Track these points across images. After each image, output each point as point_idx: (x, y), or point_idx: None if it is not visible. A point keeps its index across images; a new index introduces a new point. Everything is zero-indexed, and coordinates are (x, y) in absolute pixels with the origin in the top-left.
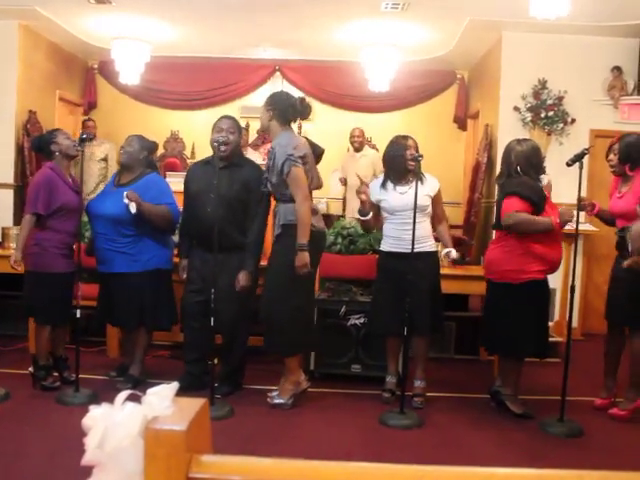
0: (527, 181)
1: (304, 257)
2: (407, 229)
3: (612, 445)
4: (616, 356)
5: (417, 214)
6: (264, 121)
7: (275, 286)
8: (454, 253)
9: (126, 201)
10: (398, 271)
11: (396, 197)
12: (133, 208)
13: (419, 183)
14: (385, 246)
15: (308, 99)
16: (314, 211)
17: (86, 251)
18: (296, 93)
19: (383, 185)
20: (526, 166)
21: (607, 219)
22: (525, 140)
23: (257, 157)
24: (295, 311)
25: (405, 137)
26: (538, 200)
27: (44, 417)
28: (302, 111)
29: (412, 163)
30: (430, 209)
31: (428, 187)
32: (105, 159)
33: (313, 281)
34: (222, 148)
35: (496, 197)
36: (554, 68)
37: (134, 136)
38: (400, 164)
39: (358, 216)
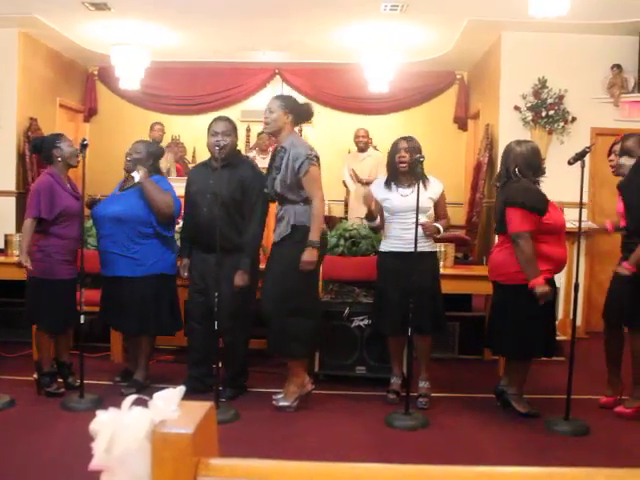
0: (528, 186)
1: (313, 254)
2: (408, 229)
3: (619, 443)
4: (617, 354)
5: (419, 216)
6: (279, 122)
7: (283, 287)
8: (423, 219)
9: (137, 174)
10: (398, 271)
11: (398, 198)
12: (137, 176)
13: (422, 186)
14: (385, 246)
15: (316, 107)
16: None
17: (87, 203)
18: (296, 96)
19: (387, 185)
20: (525, 168)
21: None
22: (525, 141)
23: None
24: (303, 312)
25: (401, 139)
26: (542, 206)
27: (49, 423)
28: (311, 114)
29: (402, 165)
30: (432, 211)
31: (431, 190)
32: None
33: (317, 283)
34: (217, 150)
35: (495, 198)
36: (554, 67)
37: (140, 143)
38: (393, 166)
39: (366, 222)
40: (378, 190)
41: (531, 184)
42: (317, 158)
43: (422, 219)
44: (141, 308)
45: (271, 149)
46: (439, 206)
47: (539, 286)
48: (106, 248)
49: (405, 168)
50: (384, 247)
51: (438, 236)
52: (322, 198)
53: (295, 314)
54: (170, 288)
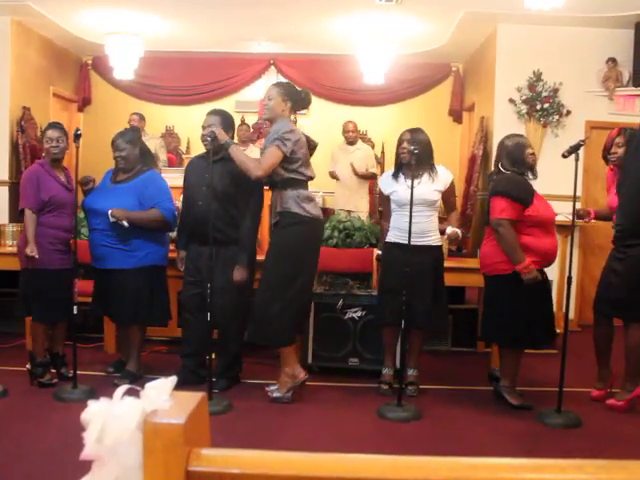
0: (513, 177)
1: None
2: (414, 222)
3: (610, 435)
4: (607, 346)
5: (424, 208)
6: (276, 110)
7: (266, 273)
8: (449, 230)
9: (112, 220)
10: (401, 262)
11: (406, 190)
12: (125, 223)
13: (428, 178)
14: (391, 237)
15: (306, 89)
16: (309, 199)
17: (80, 181)
18: None
19: (395, 177)
20: (508, 162)
21: (606, 216)
22: (513, 136)
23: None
24: (288, 303)
25: (406, 131)
26: (525, 196)
27: (42, 414)
28: (309, 101)
29: (403, 156)
30: (439, 203)
31: (439, 182)
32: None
33: (312, 270)
34: (205, 143)
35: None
36: (549, 60)
37: (118, 139)
38: (398, 158)
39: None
40: (386, 183)
41: (516, 176)
42: (292, 143)
43: (429, 212)
44: (134, 298)
45: (252, 142)
46: (447, 198)
47: (526, 272)
48: (98, 241)
49: (406, 160)
50: (390, 238)
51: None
52: (258, 168)
53: (282, 303)
54: (161, 279)
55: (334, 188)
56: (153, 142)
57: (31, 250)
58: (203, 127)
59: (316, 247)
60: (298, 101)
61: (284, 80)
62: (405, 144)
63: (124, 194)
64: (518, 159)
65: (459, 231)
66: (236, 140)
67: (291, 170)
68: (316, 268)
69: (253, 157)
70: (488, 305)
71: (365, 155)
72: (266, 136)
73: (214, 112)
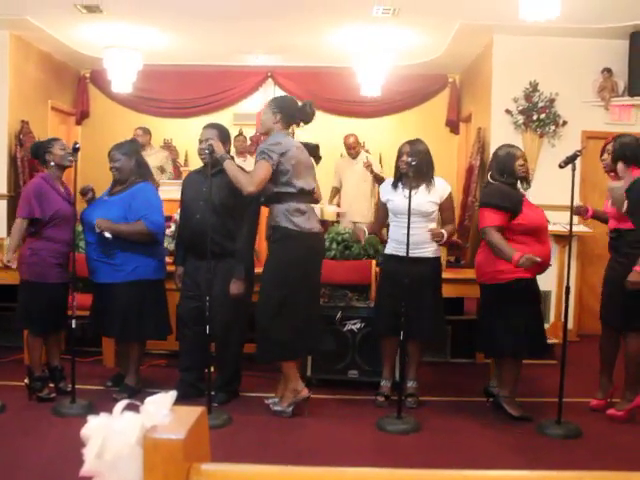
0: (499, 187)
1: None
2: (410, 233)
3: (610, 446)
4: (611, 356)
5: (420, 219)
6: (268, 123)
7: (263, 288)
8: (431, 226)
9: (97, 230)
10: (399, 274)
11: (402, 199)
12: (108, 234)
13: (425, 189)
14: (388, 249)
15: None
16: (300, 211)
17: (80, 191)
18: None
19: (394, 186)
20: (497, 172)
21: (604, 218)
22: (506, 146)
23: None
24: (285, 317)
25: (405, 143)
26: (512, 205)
27: (40, 429)
28: (311, 113)
29: (403, 168)
30: (435, 215)
31: (436, 194)
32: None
33: (313, 285)
34: (202, 156)
35: None
36: (545, 71)
37: (114, 150)
38: (397, 168)
39: (360, 227)
40: (385, 190)
41: (502, 186)
42: (278, 155)
43: (425, 223)
44: (123, 314)
45: (249, 153)
46: (444, 210)
47: (520, 261)
48: (90, 255)
49: (406, 171)
50: (387, 250)
51: (440, 242)
52: (251, 184)
53: (277, 316)
54: (154, 294)
55: (340, 200)
56: (160, 155)
57: (7, 260)
58: (200, 141)
59: (311, 260)
60: (290, 113)
61: (282, 92)
62: (405, 157)
63: (113, 206)
64: (508, 169)
65: (445, 232)
66: (233, 151)
67: (280, 183)
68: (317, 282)
69: (249, 170)
70: (484, 315)
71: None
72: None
73: (211, 126)
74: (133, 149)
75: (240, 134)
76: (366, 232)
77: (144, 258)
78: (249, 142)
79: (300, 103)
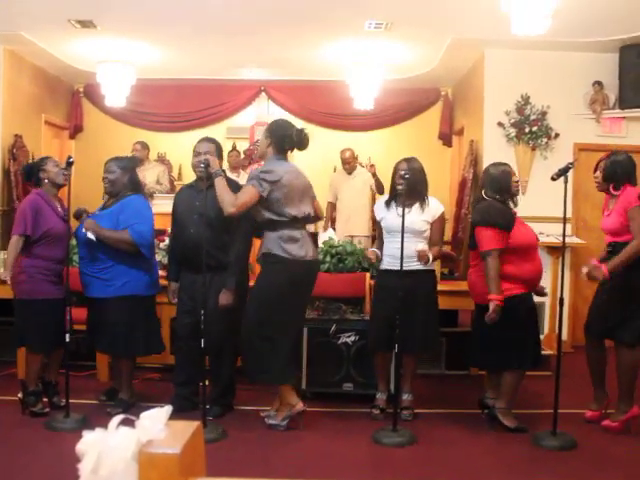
0: (494, 204)
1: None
2: (403, 248)
3: (606, 457)
4: (601, 368)
5: (413, 237)
6: (262, 147)
7: (252, 312)
8: (420, 246)
9: (84, 230)
10: (391, 288)
11: (395, 218)
12: (92, 235)
13: (418, 207)
14: (383, 264)
15: (301, 124)
16: (293, 239)
17: (74, 214)
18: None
19: (387, 204)
20: (493, 189)
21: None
22: (499, 164)
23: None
24: (276, 338)
25: (402, 161)
26: (506, 223)
27: (34, 443)
28: (298, 142)
29: (400, 189)
30: (428, 233)
31: (428, 213)
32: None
33: (297, 311)
34: (198, 170)
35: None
36: (536, 84)
37: (111, 161)
38: (393, 186)
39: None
40: (378, 209)
41: (497, 203)
42: (269, 183)
43: (417, 240)
44: (112, 329)
45: (249, 168)
46: (434, 230)
47: (494, 302)
48: (82, 269)
49: (400, 185)
50: (382, 265)
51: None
52: (233, 205)
53: (263, 339)
54: (144, 309)
55: (334, 213)
56: (157, 169)
57: (4, 277)
58: (198, 153)
59: (299, 288)
60: (283, 139)
61: (275, 106)
62: (401, 172)
63: (102, 219)
64: (504, 187)
65: (430, 254)
66: (226, 166)
67: (271, 211)
68: (303, 309)
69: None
70: (480, 333)
71: (364, 180)
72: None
73: (208, 139)
74: (130, 166)
75: (234, 149)
76: (378, 254)
77: (135, 273)
78: (242, 156)
79: (295, 129)
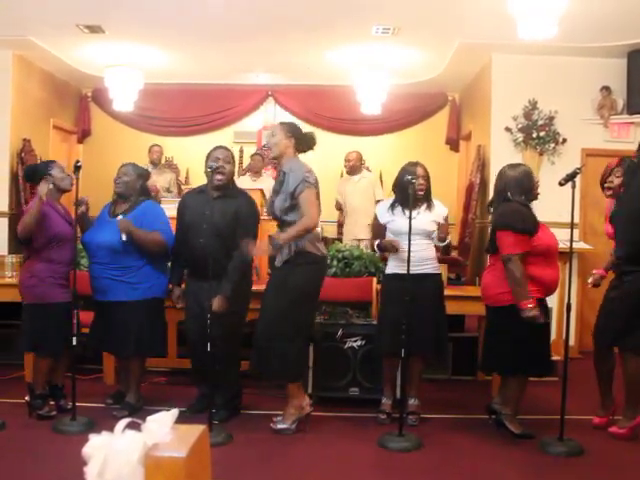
0: (518, 208)
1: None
2: (412, 250)
3: (613, 463)
4: (608, 375)
5: (422, 238)
6: (281, 147)
7: (282, 310)
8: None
9: (119, 229)
10: (400, 292)
11: (404, 221)
12: (124, 236)
13: (427, 209)
14: (389, 268)
15: (308, 129)
16: (319, 238)
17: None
18: (289, 118)
19: (392, 208)
20: (516, 192)
21: (612, 262)
22: (518, 165)
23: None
24: (296, 338)
25: (415, 164)
26: (531, 227)
27: (41, 446)
28: (313, 143)
29: (420, 193)
30: (435, 233)
31: (436, 214)
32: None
33: (315, 306)
34: (218, 177)
35: (489, 220)
36: (544, 89)
37: (129, 165)
38: (406, 190)
39: (375, 250)
40: (383, 212)
41: (521, 206)
42: (315, 181)
43: (427, 241)
44: (137, 331)
45: (265, 171)
46: (441, 228)
47: (527, 310)
48: (99, 273)
49: (422, 195)
50: (389, 269)
51: (442, 244)
52: (313, 216)
53: (290, 338)
54: (161, 311)
55: (342, 218)
56: (167, 176)
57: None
58: (216, 159)
59: (322, 284)
60: (303, 140)
61: (282, 110)
62: (421, 180)
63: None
64: (528, 187)
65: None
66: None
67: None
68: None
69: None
70: (491, 335)
71: (370, 183)
72: (278, 175)
73: (224, 147)
74: (145, 174)
75: (257, 153)
76: (400, 243)
77: (157, 277)
78: (265, 161)
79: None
